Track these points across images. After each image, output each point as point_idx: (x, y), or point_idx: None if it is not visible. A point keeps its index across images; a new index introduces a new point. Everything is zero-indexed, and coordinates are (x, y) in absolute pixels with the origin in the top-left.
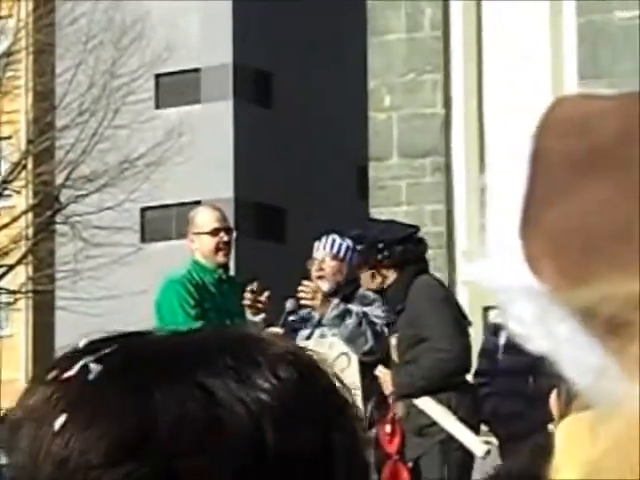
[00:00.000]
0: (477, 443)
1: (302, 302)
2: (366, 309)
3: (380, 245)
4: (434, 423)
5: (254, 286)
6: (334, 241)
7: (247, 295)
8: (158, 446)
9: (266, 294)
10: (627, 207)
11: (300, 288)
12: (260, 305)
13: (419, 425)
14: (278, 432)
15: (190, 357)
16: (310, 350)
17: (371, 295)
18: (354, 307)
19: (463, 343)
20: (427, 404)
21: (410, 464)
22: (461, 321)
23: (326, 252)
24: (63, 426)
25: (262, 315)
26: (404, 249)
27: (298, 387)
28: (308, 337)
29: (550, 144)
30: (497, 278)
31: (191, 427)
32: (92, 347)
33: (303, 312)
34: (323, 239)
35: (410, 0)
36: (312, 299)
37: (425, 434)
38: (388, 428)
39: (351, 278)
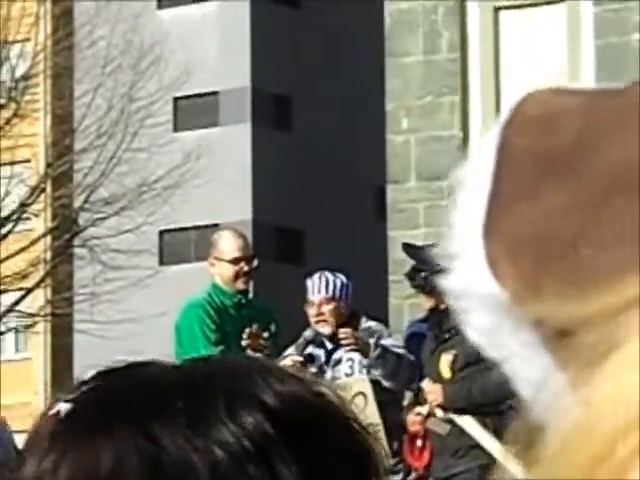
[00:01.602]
0: None
1: (349, 349)
2: (386, 342)
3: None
4: (476, 446)
5: (253, 329)
6: (327, 281)
7: (244, 337)
8: None
9: (265, 335)
10: (578, 217)
11: (341, 337)
12: (260, 345)
13: (458, 445)
14: None
15: (146, 401)
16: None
17: (374, 325)
18: (386, 341)
19: None
20: (472, 426)
21: None
22: None
23: (322, 295)
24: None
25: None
26: None
27: (256, 432)
28: (315, 374)
29: (515, 142)
30: (458, 283)
31: (128, 477)
32: (81, 383)
33: (313, 350)
34: (315, 279)
35: (428, 22)
36: (356, 344)
37: (463, 455)
38: (419, 442)
39: (350, 315)
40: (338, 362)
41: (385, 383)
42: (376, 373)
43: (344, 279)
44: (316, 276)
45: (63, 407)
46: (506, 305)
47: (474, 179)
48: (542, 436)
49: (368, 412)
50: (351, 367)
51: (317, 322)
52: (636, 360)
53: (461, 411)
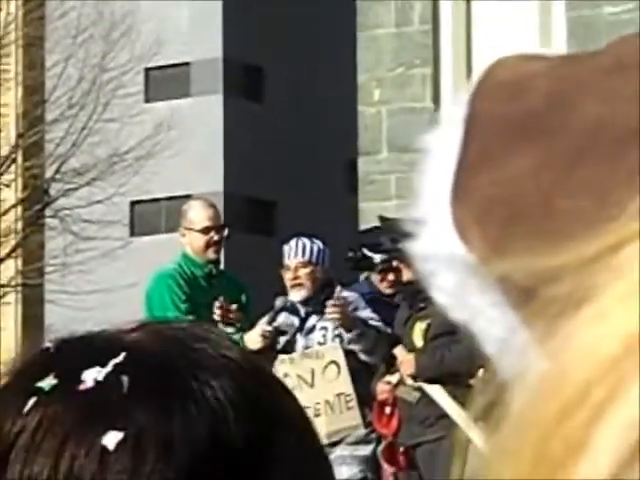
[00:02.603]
0: None
1: (332, 321)
2: (363, 314)
3: None
4: (444, 415)
5: (221, 301)
6: (304, 246)
7: (216, 311)
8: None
9: (234, 307)
10: (549, 177)
11: (329, 305)
12: (231, 318)
13: (427, 414)
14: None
15: (186, 364)
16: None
17: (350, 296)
18: (363, 313)
19: None
20: (441, 396)
21: (402, 449)
22: None
23: (298, 259)
24: (120, 443)
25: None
26: None
27: (236, 403)
28: (288, 341)
29: (484, 107)
30: (425, 246)
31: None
32: (92, 354)
33: (286, 318)
34: (292, 244)
35: None
36: (342, 317)
37: (432, 424)
38: (388, 410)
39: (326, 281)
40: (311, 330)
41: (363, 358)
42: (355, 348)
43: (321, 244)
44: (293, 241)
45: (125, 379)
46: (473, 266)
47: (442, 145)
48: (509, 393)
49: (341, 381)
50: (324, 336)
51: (293, 286)
52: (609, 309)
53: (432, 380)
